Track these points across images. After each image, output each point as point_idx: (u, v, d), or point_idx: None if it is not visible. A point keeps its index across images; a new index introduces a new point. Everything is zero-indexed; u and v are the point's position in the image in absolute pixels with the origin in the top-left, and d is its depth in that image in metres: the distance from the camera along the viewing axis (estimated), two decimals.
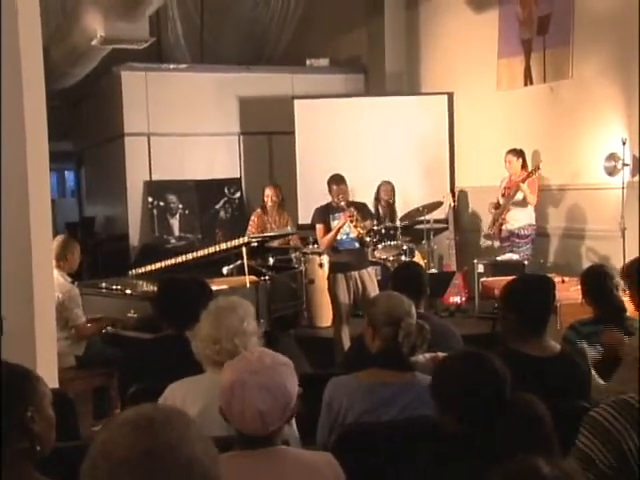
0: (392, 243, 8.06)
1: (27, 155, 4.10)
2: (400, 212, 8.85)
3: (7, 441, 1.96)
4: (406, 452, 2.83)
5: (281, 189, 8.72)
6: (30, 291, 4.13)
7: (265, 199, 8.53)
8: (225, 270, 6.17)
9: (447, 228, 9.08)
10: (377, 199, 8.76)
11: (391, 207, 8.85)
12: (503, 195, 8.13)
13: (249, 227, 8.50)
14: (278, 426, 2.24)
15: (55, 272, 5.06)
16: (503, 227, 8.09)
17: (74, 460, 2.64)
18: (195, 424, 1.39)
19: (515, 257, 7.85)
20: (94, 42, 8.26)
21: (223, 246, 6.36)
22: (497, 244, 8.38)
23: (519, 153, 8.06)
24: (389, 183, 8.86)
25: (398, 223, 8.40)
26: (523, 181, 7.77)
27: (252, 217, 8.62)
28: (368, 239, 6.58)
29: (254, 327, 3.18)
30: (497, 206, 8.17)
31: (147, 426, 1.33)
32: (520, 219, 7.99)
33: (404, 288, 3.75)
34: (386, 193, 8.80)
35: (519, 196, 7.91)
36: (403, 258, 7.97)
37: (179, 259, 6.47)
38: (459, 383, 2.41)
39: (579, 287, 4.84)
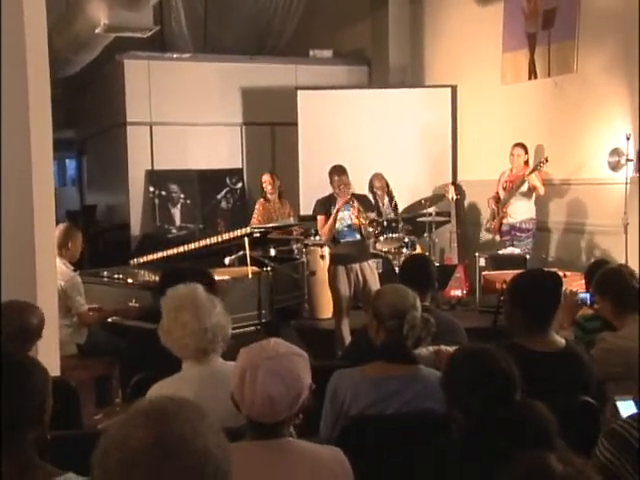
0: (393, 236, 8.04)
1: (31, 144, 4.09)
2: (402, 204, 8.84)
3: (22, 434, 1.97)
4: (410, 445, 2.83)
5: (278, 177, 8.72)
6: (33, 279, 4.13)
7: (263, 185, 8.55)
8: (227, 260, 6.17)
9: (449, 221, 9.07)
10: (372, 192, 8.71)
11: (390, 197, 8.81)
12: (504, 189, 8.11)
13: (254, 216, 8.50)
14: (287, 416, 2.23)
15: (57, 260, 5.04)
16: (504, 221, 8.08)
17: (77, 448, 2.65)
18: (208, 416, 1.38)
19: (517, 251, 7.84)
20: (98, 30, 8.25)
21: (226, 236, 6.36)
22: (498, 238, 8.37)
23: (526, 148, 8.03)
24: (379, 174, 8.79)
25: (400, 215, 8.39)
26: (532, 172, 7.76)
27: (257, 206, 8.62)
28: (370, 229, 6.56)
29: (214, 300, 3.20)
30: (497, 200, 8.16)
31: (160, 417, 1.33)
32: (521, 212, 7.98)
33: (411, 281, 3.74)
34: (380, 185, 8.75)
35: (524, 188, 7.90)
36: (404, 251, 7.96)
37: (181, 249, 6.47)
38: (469, 378, 2.41)
39: (582, 282, 4.87)
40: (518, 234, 7.99)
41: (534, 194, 7.93)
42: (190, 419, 1.34)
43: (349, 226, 6.60)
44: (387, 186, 8.80)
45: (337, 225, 6.58)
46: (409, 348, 3.21)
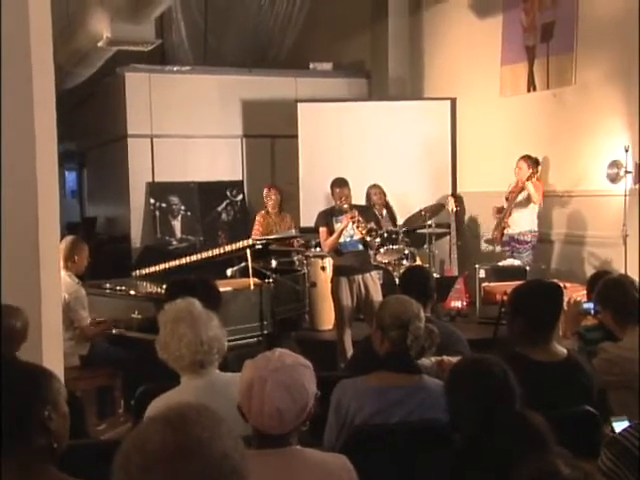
0: (394, 247, 8.05)
1: (36, 155, 4.12)
2: (402, 216, 8.86)
3: (26, 440, 1.99)
4: (414, 454, 2.85)
5: (280, 190, 8.75)
6: (37, 291, 4.15)
7: (265, 199, 8.56)
8: (229, 272, 6.19)
9: (449, 233, 9.10)
10: (370, 204, 8.70)
11: (388, 209, 8.84)
12: (507, 199, 8.15)
13: (254, 228, 8.52)
14: (295, 426, 2.26)
15: (62, 272, 5.07)
16: (505, 231, 8.12)
17: (83, 458, 2.67)
18: (225, 421, 1.41)
19: (517, 263, 7.86)
20: (100, 43, 8.30)
21: (228, 248, 6.38)
22: (498, 249, 8.41)
23: (533, 162, 7.94)
24: (377, 186, 8.79)
25: (399, 227, 8.42)
26: (528, 179, 7.78)
27: (257, 218, 8.63)
28: (369, 239, 6.55)
29: (210, 314, 3.23)
30: (500, 210, 8.19)
31: (179, 422, 1.36)
32: (521, 224, 8.01)
33: (410, 292, 3.76)
34: (378, 197, 8.75)
35: (520, 197, 7.94)
36: (404, 262, 7.97)
37: (183, 260, 6.49)
38: (471, 388, 2.45)
39: (583, 293, 4.89)
40: (517, 246, 8.02)
41: (531, 204, 7.95)
42: (208, 424, 1.38)
43: (351, 237, 6.63)
44: (384, 196, 8.82)
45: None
46: (413, 358, 3.24)
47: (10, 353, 3.48)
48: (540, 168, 7.90)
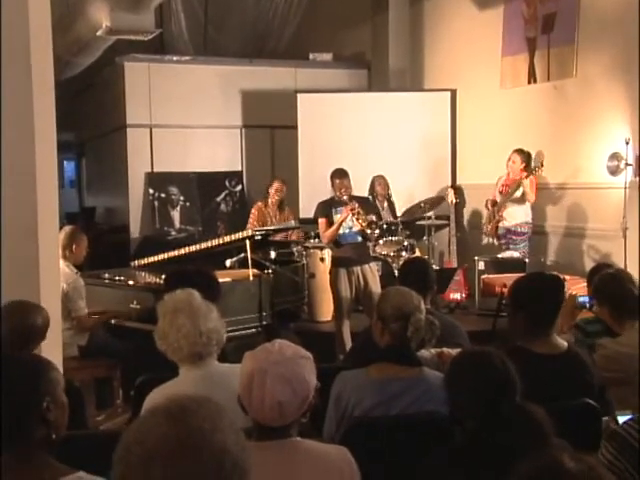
0: (393, 239, 8.04)
1: (35, 145, 4.11)
2: (401, 208, 8.86)
3: (25, 431, 1.99)
4: (414, 446, 2.85)
5: (286, 185, 8.67)
6: (37, 281, 4.14)
7: (271, 191, 8.43)
8: (228, 263, 6.18)
9: (448, 224, 9.10)
10: (373, 194, 8.71)
11: (389, 201, 8.83)
12: (501, 192, 8.16)
13: (250, 220, 8.48)
14: (295, 418, 2.26)
15: (61, 262, 5.06)
16: (500, 224, 8.12)
17: (82, 448, 2.67)
18: (226, 413, 1.40)
19: (516, 255, 7.87)
20: (99, 32, 8.27)
21: (227, 239, 6.38)
22: (495, 242, 8.41)
23: (526, 157, 8.03)
24: (383, 177, 8.80)
25: (399, 219, 8.41)
26: (527, 177, 7.80)
27: (253, 210, 8.58)
28: (369, 231, 6.55)
29: (210, 306, 3.23)
30: (494, 203, 8.19)
31: (180, 414, 1.36)
32: (517, 216, 8.02)
33: (410, 284, 3.75)
34: (382, 188, 8.75)
35: (518, 193, 7.94)
36: (404, 254, 7.97)
37: (182, 251, 6.48)
38: (471, 380, 2.44)
39: (582, 285, 4.89)
40: (513, 237, 8.04)
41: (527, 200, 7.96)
42: (209, 416, 1.37)
43: (350, 228, 6.62)
44: (388, 188, 8.80)
45: None
46: (413, 350, 3.23)
47: (27, 350, 3.46)
48: (542, 162, 7.87)
